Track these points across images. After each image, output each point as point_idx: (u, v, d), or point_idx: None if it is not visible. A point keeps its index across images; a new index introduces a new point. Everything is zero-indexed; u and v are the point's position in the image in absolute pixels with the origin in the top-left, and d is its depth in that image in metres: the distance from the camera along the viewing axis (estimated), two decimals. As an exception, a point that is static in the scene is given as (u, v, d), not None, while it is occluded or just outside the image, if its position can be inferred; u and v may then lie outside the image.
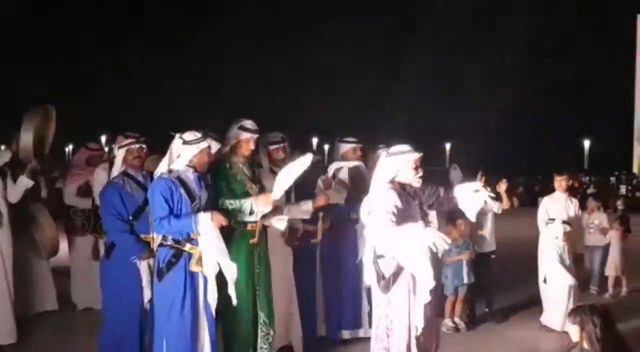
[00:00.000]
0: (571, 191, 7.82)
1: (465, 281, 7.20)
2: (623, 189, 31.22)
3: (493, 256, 7.69)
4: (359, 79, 56.47)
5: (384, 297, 4.71)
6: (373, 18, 56.60)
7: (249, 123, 5.41)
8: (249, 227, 5.26)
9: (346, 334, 6.54)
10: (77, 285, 7.69)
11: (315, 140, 49.32)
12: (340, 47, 56.18)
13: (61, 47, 55.46)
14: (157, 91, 55.45)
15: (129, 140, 5.67)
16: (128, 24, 56.82)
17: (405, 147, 4.86)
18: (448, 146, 55.84)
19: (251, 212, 5.14)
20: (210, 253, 4.82)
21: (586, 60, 51.21)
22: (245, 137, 5.37)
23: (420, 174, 4.83)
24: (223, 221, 4.85)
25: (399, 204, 4.63)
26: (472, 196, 5.01)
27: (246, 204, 5.16)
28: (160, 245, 4.94)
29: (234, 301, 4.95)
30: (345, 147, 6.73)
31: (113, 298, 5.49)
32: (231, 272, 4.88)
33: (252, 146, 5.42)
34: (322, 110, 52.59)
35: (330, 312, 6.44)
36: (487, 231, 7.61)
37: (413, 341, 4.65)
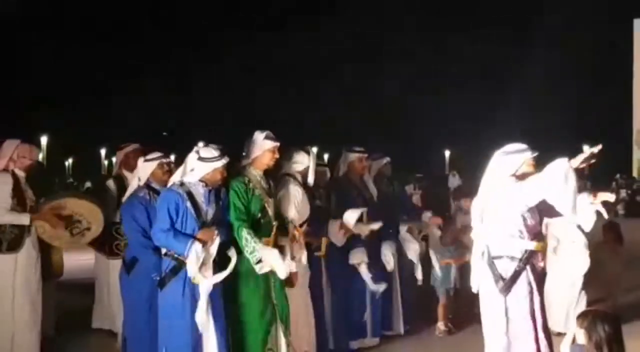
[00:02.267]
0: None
1: (452, 285, 7.28)
2: (623, 193, 31.22)
3: None
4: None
5: (500, 299, 4.64)
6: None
7: (269, 133, 5.41)
8: (263, 241, 5.21)
9: (354, 344, 6.56)
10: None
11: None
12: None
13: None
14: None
15: (158, 154, 5.68)
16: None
17: (523, 146, 4.83)
18: (447, 153, 55.83)
19: (258, 262, 5.06)
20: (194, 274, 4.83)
21: (582, 63, 51.30)
22: (272, 146, 5.35)
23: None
24: (210, 237, 4.87)
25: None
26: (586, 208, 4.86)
27: (257, 254, 5.06)
28: (165, 255, 4.97)
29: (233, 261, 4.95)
30: (352, 157, 6.78)
31: (134, 315, 5.49)
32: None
33: (277, 155, 5.42)
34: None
35: (337, 324, 6.39)
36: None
37: (544, 343, 4.58)
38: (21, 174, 5.83)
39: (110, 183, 6.71)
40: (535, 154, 4.79)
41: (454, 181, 9.74)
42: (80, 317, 7.35)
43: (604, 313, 3.93)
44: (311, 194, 6.02)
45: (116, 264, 6.24)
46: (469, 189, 7.91)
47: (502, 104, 47.95)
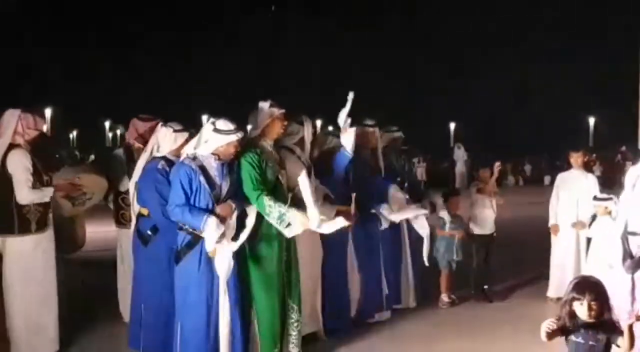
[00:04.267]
0: (586, 167, 7.79)
1: (455, 257, 7.33)
2: (629, 166, 31.07)
3: (494, 235, 7.76)
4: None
5: (627, 277, 4.42)
6: None
7: (273, 101, 5.36)
8: None
9: (372, 318, 6.61)
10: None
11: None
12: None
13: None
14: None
15: (181, 127, 5.56)
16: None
17: None
18: (452, 126, 55.62)
19: (288, 225, 5.00)
20: (221, 255, 4.81)
21: (588, 36, 50.83)
22: (279, 114, 5.31)
23: None
24: (229, 212, 4.87)
25: None
26: None
27: (286, 217, 4.97)
28: (180, 229, 4.94)
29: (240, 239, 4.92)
30: (365, 131, 6.69)
31: (151, 287, 5.46)
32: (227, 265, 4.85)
33: (286, 122, 5.38)
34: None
35: (362, 297, 6.42)
36: (489, 212, 7.67)
37: None
38: (28, 147, 5.46)
39: (120, 152, 6.53)
40: None
41: (459, 154, 9.66)
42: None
43: (588, 279, 3.84)
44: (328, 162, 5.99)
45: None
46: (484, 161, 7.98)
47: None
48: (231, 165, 5.06)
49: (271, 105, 5.32)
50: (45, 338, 5.52)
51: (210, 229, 4.76)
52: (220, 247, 4.80)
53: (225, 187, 4.96)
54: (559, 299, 7.27)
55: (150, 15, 57.24)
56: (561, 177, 7.73)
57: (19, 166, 5.33)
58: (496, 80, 51.33)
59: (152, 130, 6.29)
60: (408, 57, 53.98)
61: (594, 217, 7.05)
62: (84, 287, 7.50)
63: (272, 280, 5.18)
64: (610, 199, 6.92)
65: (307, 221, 5.03)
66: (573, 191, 7.45)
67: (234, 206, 4.93)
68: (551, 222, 7.58)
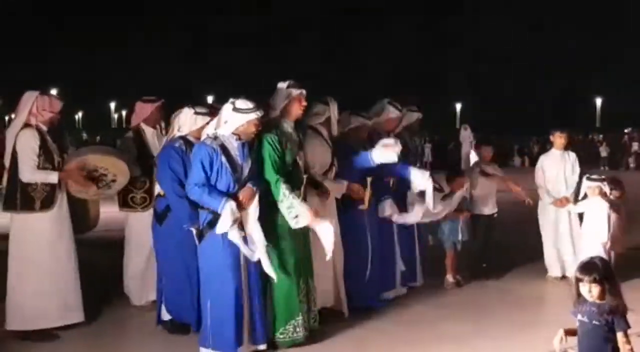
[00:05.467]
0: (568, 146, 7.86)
1: (461, 237, 7.35)
2: (635, 146, 31.03)
3: (495, 216, 7.79)
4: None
5: None
6: None
7: (292, 81, 5.33)
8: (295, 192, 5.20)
9: (389, 295, 6.67)
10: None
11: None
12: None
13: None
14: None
15: (206, 110, 5.58)
16: None
17: None
18: (459, 107, 55.47)
19: (295, 217, 5.05)
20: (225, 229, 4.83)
21: (597, 17, 50.53)
22: (297, 93, 5.29)
23: None
24: (251, 196, 4.87)
25: None
26: None
27: (294, 210, 5.04)
28: (202, 208, 4.95)
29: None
30: (392, 114, 6.67)
31: (168, 263, 5.54)
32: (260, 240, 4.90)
33: (304, 102, 5.36)
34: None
35: (376, 276, 6.38)
36: (490, 193, 7.69)
37: None
38: (44, 128, 5.64)
39: (130, 136, 6.50)
40: None
41: (466, 135, 9.61)
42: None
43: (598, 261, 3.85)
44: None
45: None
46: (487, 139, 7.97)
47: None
48: (251, 144, 5.06)
49: (289, 86, 5.31)
50: (51, 309, 5.62)
51: (226, 213, 4.77)
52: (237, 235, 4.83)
53: (246, 168, 4.97)
54: (563, 277, 7.43)
55: None
56: (544, 158, 7.85)
57: (25, 146, 5.51)
58: (502, 60, 51.13)
59: (158, 110, 6.30)
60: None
61: (584, 196, 7.12)
62: (93, 267, 7.51)
63: (289, 253, 5.21)
64: (604, 180, 6.99)
65: (315, 219, 5.08)
66: (558, 170, 7.55)
67: (255, 189, 4.93)
68: (549, 200, 7.57)
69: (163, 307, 5.72)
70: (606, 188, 6.88)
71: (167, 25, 58.40)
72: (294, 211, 5.02)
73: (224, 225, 4.80)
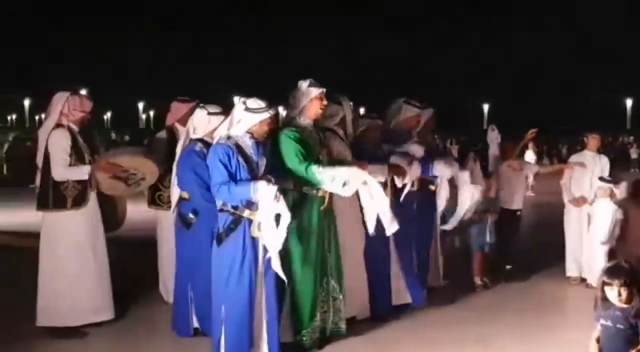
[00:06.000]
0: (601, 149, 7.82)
1: (488, 239, 7.29)
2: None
3: (519, 213, 7.77)
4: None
5: None
6: None
7: (313, 80, 5.29)
8: (320, 193, 5.18)
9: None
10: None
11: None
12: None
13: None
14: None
15: (220, 109, 5.56)
16: None
17: None
18: (486, 107, 55.11)
19: (344, 185, 4.94)
20: (269, 221, 4.73)
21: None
22: (317, 93, 5.24)
23: None
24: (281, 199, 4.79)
25: None
26: None
27: (340, 175, 4.91)
28: (220, 210, 4.90)
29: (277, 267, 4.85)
30: (411, 112, 6.58)
31: (195, 269, 5.46)
32: (280, 236, 4.77)
33: (325, 102, 5.31)
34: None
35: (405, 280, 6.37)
36: (516, 188, 7.67)
37: None
38: (75, 128, 5.73)
39: (162, 135, 6.50)
40: None
41: (493, 136, 9.58)
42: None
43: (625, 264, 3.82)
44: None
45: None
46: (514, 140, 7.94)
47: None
48: (265, 144, 5.03)
49: (310, 85, 5.27)
50: (81, 307, 5.70)
51: (263, 190, 4.66)
52: (277, 205, 4.72)
53: (261, 166, 4.93)
54: (583, 280, 7.38)
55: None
56: (575, 158, 7.82)
57: (56, 145, 5.62)
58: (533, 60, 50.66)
59: (192, 111, 6.36)
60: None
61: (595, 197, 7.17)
62: (122, 265, 7.61)
63: (312, 254, 5.17)
64: (616, 182, 6.97)
65: (362, 172, 4.98)
66: (587, 171, 7.47)
67: (273, 180, 4.86)
68: (568, 198, 7.57)
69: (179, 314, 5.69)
70: (618, 190, 6.85)
71: (197, 27, 58.75)
72: (338, 179, 4.89)
73: (268, 204, 4.67)
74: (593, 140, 7.63)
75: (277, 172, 5.03)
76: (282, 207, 4.71)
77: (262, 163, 4.93)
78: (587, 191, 7.47)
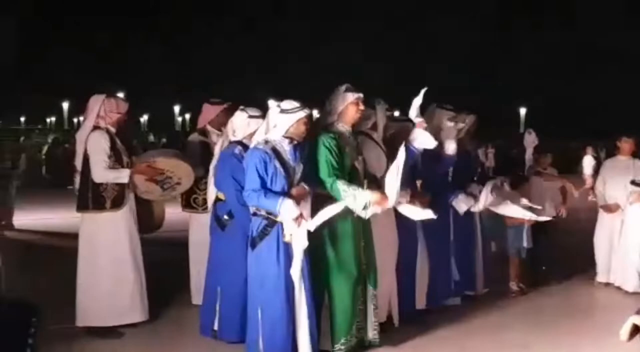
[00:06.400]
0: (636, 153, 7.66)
1: (525, 244, 7.21)
2: None
3: (553, 219, 7.60)
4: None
5: None
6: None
7: (350, 85, 5.29)
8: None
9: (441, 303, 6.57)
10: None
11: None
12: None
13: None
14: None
15: (260, 113, 5.56)
16: None
17: None
18: (523, 111, 54.55)
19: (364, 207, 4.95)
20: (297, 234, 4.77)
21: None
22: (354, 98, 5.23)
23: None
24: (304, 195, 4.84)
25: None
26: None
27: (362, 198, 4.93)
28: (254, 214, 4.93)
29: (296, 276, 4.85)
30: (444, 115, 6.45)
31: (226, 271, 5.50)
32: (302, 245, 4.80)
33: (362, 107, 5.29)
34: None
35: (430, 283, 6.34)
36: (548, 196, 7.56)
37: None
38: (112, 129, 5.81)
39: (195, 137, 6.55)
40: None
41: (530, 139, 9.49)
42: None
43: None
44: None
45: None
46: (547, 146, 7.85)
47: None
48: (303, 148, 5.03)
49: (347, 90, 5.26)
50: (119, 307, 5.77)
51: (286, 210, 4.72)
52: (296, 228, 4.77)
53: (298, 171, 4.94)
54: (607, 284, 7.28)
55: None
56: (608, 163, 7.72)
57: (95, 147, 5.69)
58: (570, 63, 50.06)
59: (224, 113, 6.38)
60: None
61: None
62: (157, 266, 7.69)
63: (349, 264, 5.14)
64: None
65: (385, 200, 4.98)
66: (620, 177, 7.34)
67: (308, 188, 4.91)
68: (601, 203, 7.50)
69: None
70: None
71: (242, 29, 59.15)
72: (361, 200, 4.92)
73: (289, 222, 4.74)
74: (626, 145, 7.50)
75: (315, 177, 5.04)
76: (299, 232, 4.75)
77: (299, 168, 4.94)
78: (620, 196, 7.36)
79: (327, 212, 4.85)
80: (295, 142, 4.94)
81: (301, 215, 4.77)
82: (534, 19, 55.70)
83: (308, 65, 53.46)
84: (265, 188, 4.81)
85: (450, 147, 6.27)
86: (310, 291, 4.94)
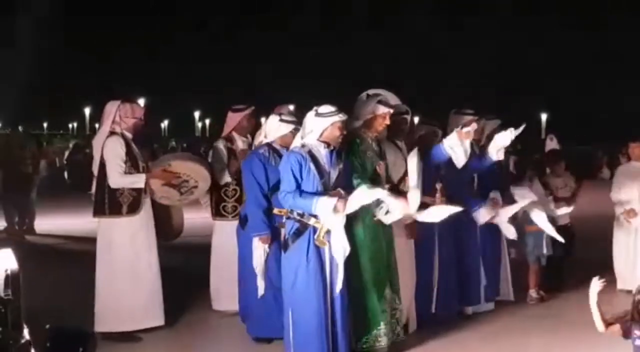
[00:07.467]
0: None
1: (545, 251, 7.10)
2: None
3: (569, 226, 7.57)
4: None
5: None
6: None
7: (387, 97, 5.37)
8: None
9: (469, 310, 6.57)
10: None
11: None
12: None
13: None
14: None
15: (293, 119, 5.60)
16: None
17: None
18: (544, 117, 54.20)
19: (386, 213, 5.05)
20: (337, 230, 4.81)
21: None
22: (383, 112, 5.32)
23: None
24: (342, 211, 4.81)
25: None
26: None
27: (386, 202, 5.02)
28: (288, 217, 5.00)
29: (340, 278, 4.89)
30: (465, 120, 6.31)
31: (248, 269, 5.59)
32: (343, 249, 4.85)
33: (387, 121, 5.36)
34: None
35: (448, 289, 6.31)
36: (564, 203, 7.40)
37: None
38: (129, 135, 5.84)
39: (220, 144, 6.50)
40: None
41: (551, 146, 9.43)
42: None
43: None
44: None
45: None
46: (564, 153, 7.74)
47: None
48: (340, 154, 5.07)
49: (380, 102, 5.33)
50: (135, 312, 5.79)
51: (323, 206, 4.75)
52: (335, 219, 4.79)
53: (334, 176, 4.98)
54: (628, 291, 7.18)
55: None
56: (621, 170, 7.60)
57: (111, 152, 5.72)
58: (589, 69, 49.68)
59: (247, 119, 6.39)
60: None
61: None
62: (175, 271, 7.72)
63: (374, 265, 5.20)
64: None
65: (407, 206, 5.02)
66: (634, 183, 7.24)
67: (343, 193, 4.91)
68: (619, 211, 7.39)
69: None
70: None
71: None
72: (384, 205, 5.00)
73: (327, 219, 4.77)
74: (637, 150, 7.40)
75: (349, 182, 5.09)
76: (336, 221, 4.77)
77: (335, 173, 4.98)
78: (636, 202, 7.27)
79: (361, 197, 4.85)
80: (332, 147, 4.98)
81: (339, 201, 4.78)
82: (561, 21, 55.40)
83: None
84: (300, 189, 4.86)
85: (459, 153, 6.19)
86: (343, 293, 4.97)
